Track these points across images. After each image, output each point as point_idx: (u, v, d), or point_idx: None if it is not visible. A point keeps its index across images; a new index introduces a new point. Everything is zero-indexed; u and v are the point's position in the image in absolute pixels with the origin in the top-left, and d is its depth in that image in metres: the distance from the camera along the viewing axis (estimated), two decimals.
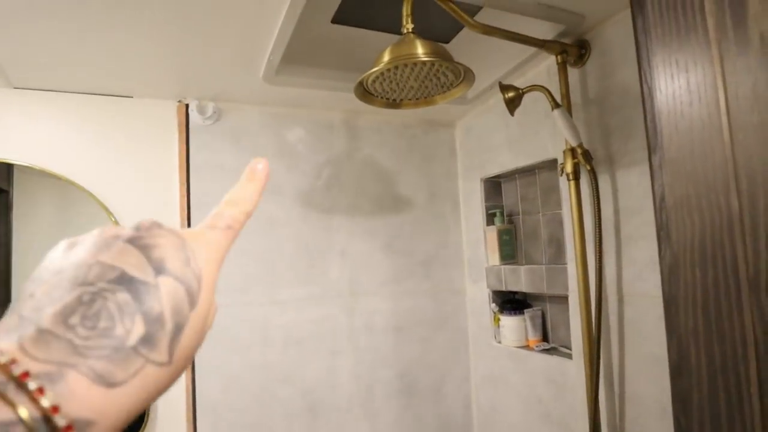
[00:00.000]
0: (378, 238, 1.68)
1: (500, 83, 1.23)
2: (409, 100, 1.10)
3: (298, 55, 1.30)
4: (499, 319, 1.65)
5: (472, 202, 1.76)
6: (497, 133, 1.60)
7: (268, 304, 1.51)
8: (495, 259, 1.65)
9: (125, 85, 1.38)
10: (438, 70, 0.96)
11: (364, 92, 1.06)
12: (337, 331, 1.59)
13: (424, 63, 0.91)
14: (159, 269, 0.20)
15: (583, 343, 1.19)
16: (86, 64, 1.24)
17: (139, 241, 0.21)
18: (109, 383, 0.17)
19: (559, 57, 1.22)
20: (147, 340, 0.18)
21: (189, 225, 1.44)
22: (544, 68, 1.35)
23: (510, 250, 1.66)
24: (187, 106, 1.48)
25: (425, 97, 1.08)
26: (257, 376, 1.47)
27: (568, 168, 1.20)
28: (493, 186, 1.73)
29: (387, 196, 1.71)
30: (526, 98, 1.42)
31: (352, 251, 1.63)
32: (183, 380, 1.39)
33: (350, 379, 1.59)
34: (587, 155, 1.14)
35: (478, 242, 1.74)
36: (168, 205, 1.44)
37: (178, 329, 0.20)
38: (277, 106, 1.57)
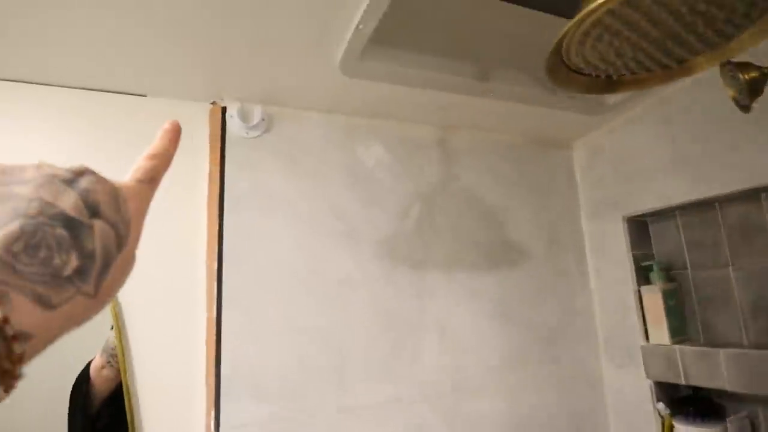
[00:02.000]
0: (486, 302, 1.16)
1: (729, 61, 0.78)
2: (632, 74, 0.63)
3: (391, 32, 0.86)
4: (672, 427, 1.10)
5: (609, 250, 1.27)
6: (654, 152, 1.15)
7: (335, 413, 0.95)
8: (660, 335, 1.13)
9: (135, 77, 0.92)
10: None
11: (561, 65, 0.61)
12: None
13: None
14: (94, 212, 0.22)
15: None
16: (79, 45, 0.78)
17: (77, 185, 0.22)
18: (46, 305, 0.19)
19: None
20: (79, 272, 0.20)
21: (220, 288, 0.92)
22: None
23: (679, 321, 1.14)
24: (223, 109, 1.01)
25: (670, 66, 0.62)
26: None
27: None
28: (638, 228, 1.24)
29: (495, 243, 1.21)
30: (711, 94, 0.99)
31: (453, 324, 1.11)
32: None
33: None
34: None
35: (619, 309, 1.23)
36: (191, 255, 0.92)
37: (105, 267, 0.22)
38: (350, 114, 1.11)
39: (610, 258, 1.26)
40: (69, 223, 0.20)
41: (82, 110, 0.92)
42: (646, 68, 0.61)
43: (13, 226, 0.19)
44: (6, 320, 0.17)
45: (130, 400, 0.82)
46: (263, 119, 1.02)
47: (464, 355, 1.10)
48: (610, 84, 0.62)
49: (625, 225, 1.22)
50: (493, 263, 1.19)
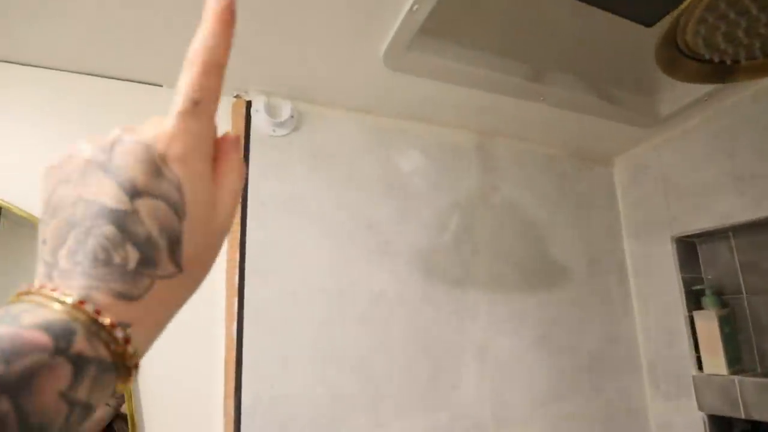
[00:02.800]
0: (527, 326, 1.06)
1: None
2: (749, 60, 0.55)
3: (442, 23, 0.78)
4: None
5: (652, 272, 1.18)
6: (708, 168, 1.07)
7: None
8: (716, 364, 1.03)
9: (150, 65, 0.81)
10: None
11: (674, 50, 0.52)
12: None
13: None
14: (133, 192, 0.19)
15: None
16: (92, 30, 0.68)
17: (111, 166, 0.20)
18: (129, 298, 0.19)
19: None
20: (145, 262, 0.19)
21: (241, 304, 0.80)
22: None
23: (735, 349, 1.06)
24: (248, 104, 0.91)
25: None
26: None
27: None
28: (686, 249, 1.16)
29: (535, 261, 1.11)
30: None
31: (495, 349, 1.00)
32: None
33: None
34: None
35: (666, 335, 1.14)
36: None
37: (173, 242, 0.20)
38: (386, 115, 1.01)
39: (654, 281, 1.17)
40: (113, 216, 0.19)
41: (97, 98, 0.81)
42: (764, 53, 0.52)
43: (71, 239, 0.19)
44: (98, 311, 0.18)
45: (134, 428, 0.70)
46: (292, 116, 0.92)
47: (505, 383, 0.99)
48: (725, 71, 0.53)
49: (674, 246, 1.13)
50: (533, 283, 1.09)
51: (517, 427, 0.98)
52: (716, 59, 0.53)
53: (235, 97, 0.91)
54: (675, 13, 0.47)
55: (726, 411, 1.01)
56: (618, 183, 1.28)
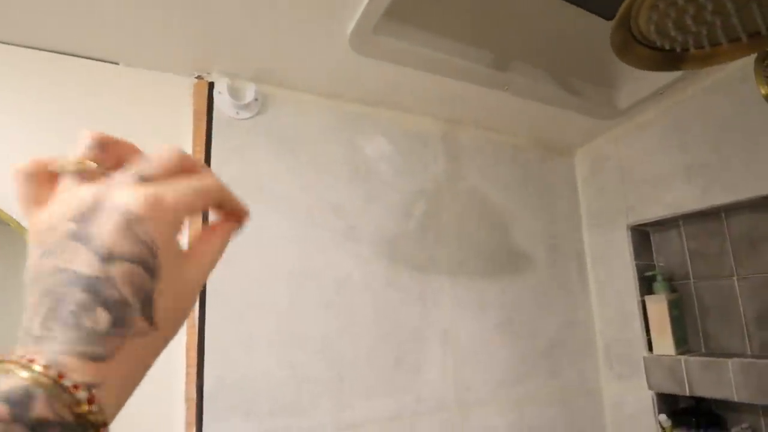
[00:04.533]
0: (491, 311, 1.09)
1: (764, 52, 0.75)
2: (698, 49, 0.57)
3: (408, 7, 0.79)
4: None
5: (608, 259, 1.23)
6: (662, 159, 1.12)
7: (331, 431, 0.85)
8: (666, 345, 1.09)
9: (106, 41, 0.78)
10: None
11: (627, 34, 0.54)
12: None
13: None
14: (108, 258, 0.20)
15: None
16: (38, 2, 0.65)
17: (84, 234, 0.21)
18: (98, 358, 0.19)
19: None
20: (116, 322, 0.20)
21: (204, 288, 0.79)
22: None
23: (682, 331, 1.12)
24: (210, 85, 0.89)
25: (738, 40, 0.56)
26: None
27: None
28: (640, 238, 1.21)
29: (499, 248, 1.14)
30: (729, 98, 0.98)
31: (457, 333, 1.03)
32: None
33: None
34: None
35: (620, 319, 1.19)
36: None
37: (146, 302, 0.21)
38: (352, 100, 1.01)
39: (611, 268, 1.22)
40: (86, 283, 0.20)
41: (51, 75, 0.78)
42: (713, 43, 0.55)
43: (44, 307, 0.19)
44: (61, 375, 0.18)
45: None
46: (256, 99, 0.91)
47: (468, 366, 1.02)
48: (675, 59, 0.56)
49: (629, 234, 1.19)
50: (496, 269, 1.12)
51: (479, 408, 1.01)
52: (667, 47, 0.56)
53: (197, 78, 0.88)
54: None
55: (673, 389, 1.07)
56: (579, 173, 1.33)
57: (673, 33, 0.52)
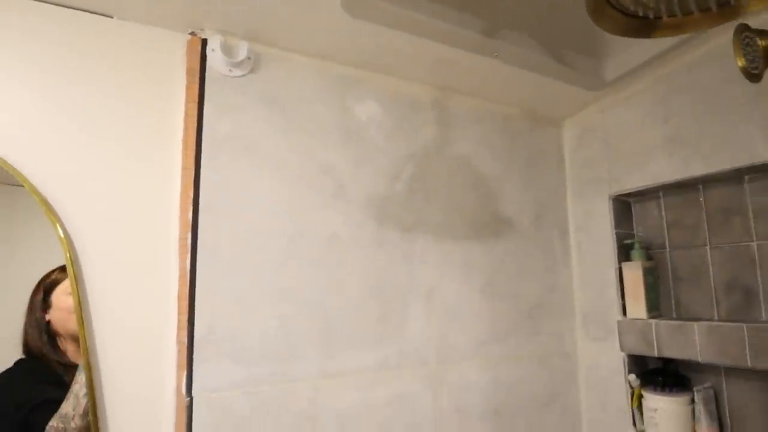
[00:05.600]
0: (473, 273, 1.13)
1: (743, 25, 0.77)
2: (670, 17, 0.60)
3: None
4: (641, 398, 1.14)
5: (590, 228, 1.27)
6: (645, 131, 1.15)
7: (318, 379, 0.90)
8: (639, 309, 1.15)
9: None
10: None
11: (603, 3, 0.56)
12: (419, 420, 1.00)
13: None
14: None
15: None
16: None
17: None
18: None
19: None
20: None
21: (195, 239, 0.82)
22: None
23: (655, 297, 1.17)
24: (204, 42, 0.90)
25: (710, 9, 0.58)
26: None
27: None
28: (622, 207, 1.25)
29: (484, 213, 1.18)
30: (709, 72, 1.00)
31: (441, 293, 1.07)
32: None
33: None
34: None
35: (598, 285, 1.24)
36: (161, 208, 0.82)
37: None
38: (345, 62, 1.02)
39: (592, 236, 1.27)
40: None
41: (44, 26, 0.78)
42: (684, 12, 0.57)
43: None
44: None
45: (87, 358, 0.72)
46: (249, 57, 0.92)
47: (450, 324, 1.07)
48: (648, 25, 0.58)
49: (611, 204, 1.22)
50: (481, 233, 1.16)
51: (458, 364, 1.07)
52: (640, 13, 0.58)
53: (189, 34, 0.89)
54: None
55: (643, 350, 1.13)
56: (567, 143, 1.36)
57: (646, 0, 0.54)
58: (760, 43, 0.73)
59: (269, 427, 0.83)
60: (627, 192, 1.20)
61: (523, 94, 1.21)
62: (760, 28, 0.74)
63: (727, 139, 0.98)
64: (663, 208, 1.21)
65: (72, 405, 0.70)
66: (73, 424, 0.69)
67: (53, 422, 0.69)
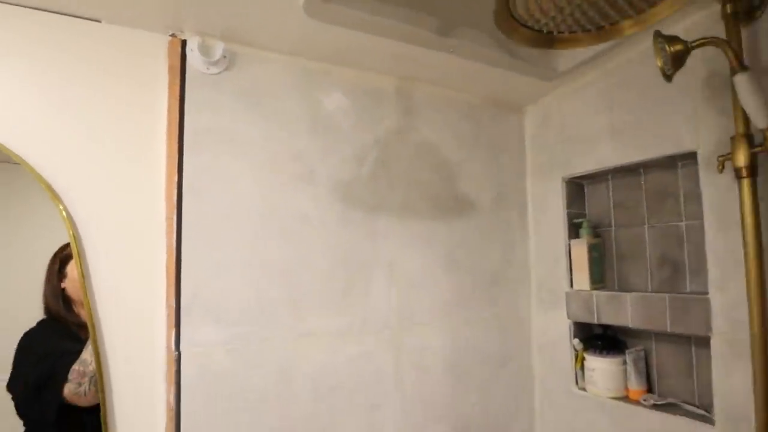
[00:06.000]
0: (434, 247, 1.26)
1: (658, 32, 0.87)
2: (570, 32, 0.70)
3: None
4: (583, 359, 1.28)
5: (546, 208, 1.39)
6: (594, 119, 1.25)
7: (290, 340, 1.04)
8: (583, 282, 1.28)
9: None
10: None
11: (508, 15, 0.66)
12: (381, 376, 1.15)
13: None
14: None
15: (756, 407, 0.85)
16: None
17: None
18: None
19: (728, 6, 0.89)
20: None
21: (180, 218, 0.96)
22: (698, 21, 1.00)
23: (599, 271, 1.30)
24: (183, 43, 1.00)
25: (603, 26, 0.69)
26: None
27: (741, 161, 0.86)
28: (574, 189, 1.37)
29: (447, 194, 1.30)
30: (646, 69, 1.09)
31: (403, 265, 1.20)
32: None
33: None
34: None
35: (551, 259, 1.37)
36: (149, 191, 0.95)
37: None
38: (311, 58, 1.12)
39: (547, 215, 1.38)
40: None
41: (34, 31, 0.89)
42: (583, 28, 0.68)
43: None
44: None
45: (92, 320, 0.87)
46: (224, 56, 1.03)
47: (411, 293, 1.21)
48: (550, 40, 0.68)
49: (563, 186, 1.34)
50: (444, 212, 1.28)
51: (419, 327, 1.21)
52: (544, 30, 0.68)
53: (170, 36, 0.99)
54: None
55: (586, 318, 1.27)
56: (527, 129, 1.46)
57: (544, 21, 0.64)
58: (668, 48, 0.83)
59: (248, 377, 0.98)
60: (578, 175, 1.31)
61: (485, 83, 1.30)
62: (671, 35, 0.84)
63: (659, 129, 1.08)
64: (611, 190, 1.32)
65: (90, 353, 0.86)
66: (90, 368, 0.86)
67: (76, 366, 0.86)
